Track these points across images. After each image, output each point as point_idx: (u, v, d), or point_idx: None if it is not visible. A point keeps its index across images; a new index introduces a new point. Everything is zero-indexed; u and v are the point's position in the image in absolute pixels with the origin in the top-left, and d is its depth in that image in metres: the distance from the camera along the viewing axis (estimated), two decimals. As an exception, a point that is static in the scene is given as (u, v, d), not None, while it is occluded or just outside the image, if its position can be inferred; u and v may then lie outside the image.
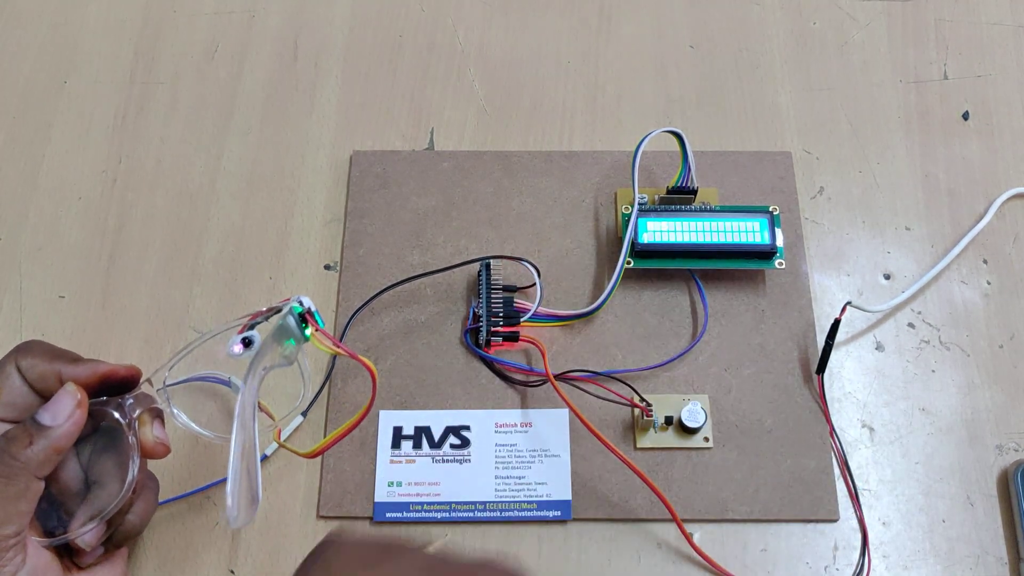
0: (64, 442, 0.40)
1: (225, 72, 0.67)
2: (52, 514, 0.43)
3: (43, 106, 0.66)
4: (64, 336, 0.58)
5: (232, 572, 0.52)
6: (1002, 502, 0.53)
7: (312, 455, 0.43)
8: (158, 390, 0.45)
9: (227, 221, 0.61)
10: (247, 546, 0.52)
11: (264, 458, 0.53)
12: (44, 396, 0.42)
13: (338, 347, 0.43)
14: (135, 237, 0.61)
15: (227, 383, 0.54)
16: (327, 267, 0.60)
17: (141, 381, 0.44)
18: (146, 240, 0.61)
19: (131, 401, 0.43)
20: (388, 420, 0.55)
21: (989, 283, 0.59)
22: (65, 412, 0.40)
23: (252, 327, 0.43)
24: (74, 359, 0.43)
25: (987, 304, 0.59)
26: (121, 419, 0.43)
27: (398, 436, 0.54)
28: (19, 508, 0.39)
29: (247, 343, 0.42)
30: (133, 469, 0.42)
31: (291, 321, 0.42)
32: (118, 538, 0.44)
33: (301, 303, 0.43)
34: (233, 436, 0.38)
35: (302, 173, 0.63)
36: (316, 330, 0.43)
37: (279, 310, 0.43)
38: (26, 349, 0.43)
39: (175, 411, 0.46)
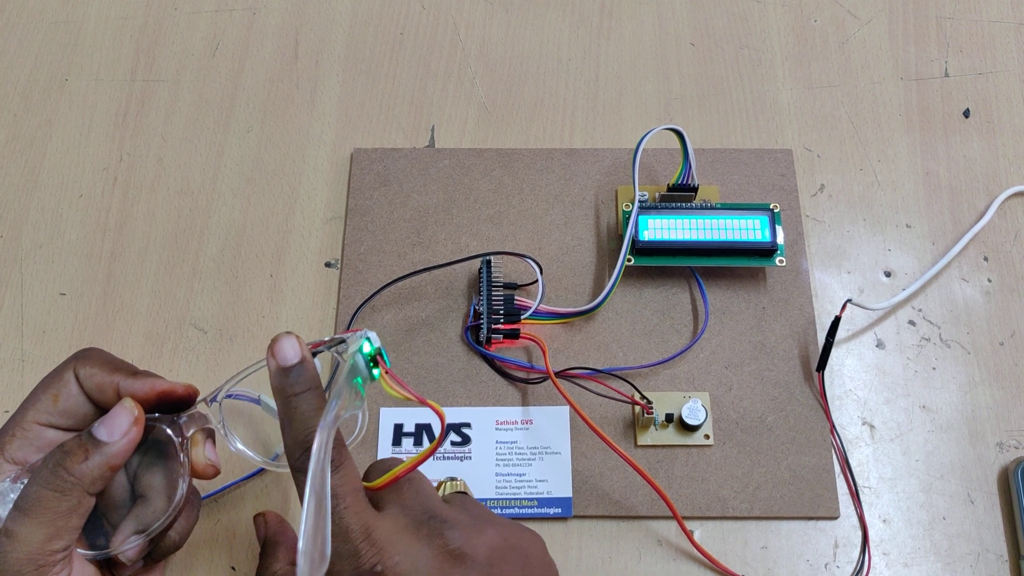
0: (119, 459, 0.39)
1: (226, 70, 0.67)
2: (97, 526, 0.43)
3: (44, 103, 0.66)
4: (65, 334, 0.58)
5: (233, 568, 0.52)
6: (1002, 499, 0.53)
7: (377, 488, 0.41)
8: (212, 403, 0.43)
9: (228, 219, 0.62)
10: (249, 543, 0.52)
11: (275, 458, 0.53)
12: (99, 407, 0.42)
13: (407, 391, 0.41)
14: (136, 235, 0.61)
15: (256, 401, 0.53)
16: (328, 264, 0.60)
17: (197, 401, 0.44)
18: (147, 238, 0.61)
19: (185, 420, 0.43)
20: (389, 417, 0.55)
21: (990, 280, 0.59)
22: (121, 429, 0.39)
23: (313, 355, 0.42)
24: (133, 372, 0.42)
25: (988, 301, 0.59)
26: (174, 437, 0.42)
27: (399, 433, 0.54)
28: (70, 523, 0.38)
29: None
30: (182, 488, 0.42)
31: (360, 360, 0.41)
32: (157, 554, 0.43)
33: (370, 340, 0.41)
34: (307, 492, 0.36)
35: (303, 171, 0.63)
36: (386, 371, 0.41)
37: (342, 340, 0.42)
38: (85, 357, 0.43)
39: (230, 434, 0.45)
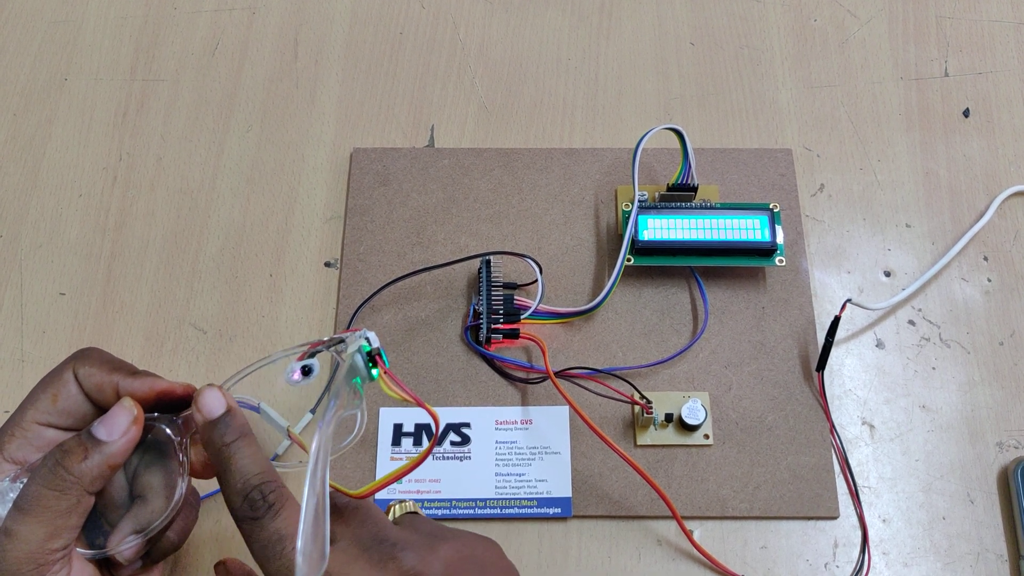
0: (118, 459, 0.39)
1: (226, 69, 0.67)
2: (96, 525, 0.43)
3: (44, 103, 0.66)
4: (64, 334, 0.58)
5: (233, 569, 0.52)
6: (1002, 499, 0.53)
7: (362, 496, 0.42)
8: None
9: (227, 218, 0.62)
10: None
11: (274, 458, 0.53)
12: (99, 407, 0.42)
13: (405, 391, 0.41)
14: (136, 234, 0.61)
15: (256, 409, 0.53)
16: (327, 264, 0.60)
17: None
18: (146, 237, 0.61)
19: (184, 419, 0.42)
20: (388, 417, 0.55)
21: (989, 280, 0.59)
22: (121, 428, 0.39)
23: (312, 355, 0.42)
24: (132, 372, 0.42)
25: (987, 301, 0.59)
26: (173, 437, 0.42)
27: (398, 433, 0.54)
28: (69, 523, 0.38)
29: (306, 371, 0.42)
30: (181, 488, 0.42)
31: (359, 360, 0.41)
32: (156, 554, 0.43)
33: (368, 340, 0.41)
34: (305, 492, 0.36)
35: (302, 170, 0.63)
36: (384, 371, 0.41)
37: (341, 340, 0.42)
38: (84, 356, 0.42)
39: None
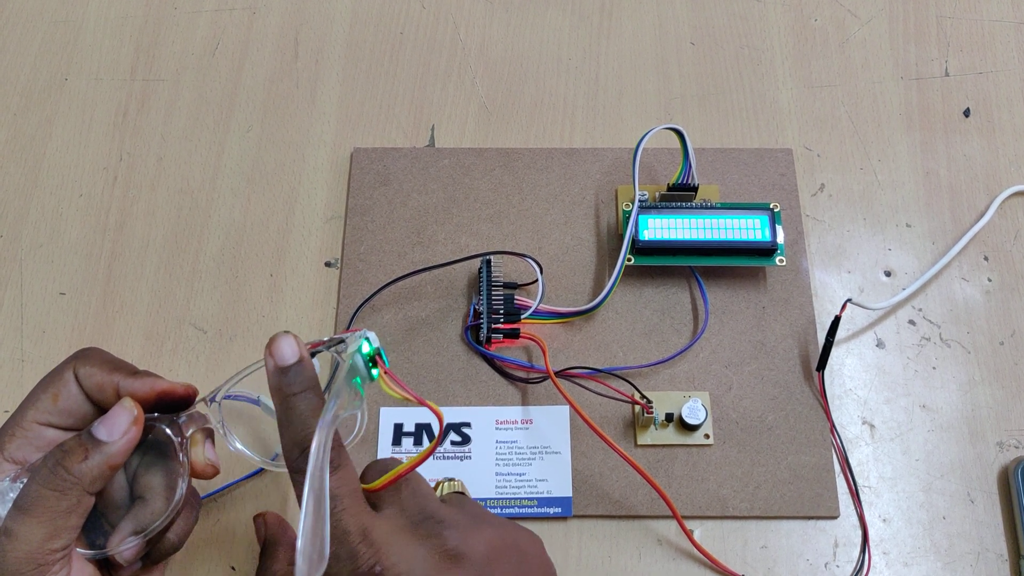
0: (118, 459, 0.39)
1: (226, 69, 0.67)
2: (96, 525, 0.43)
3: (44, 103, 0.66)
4: (65, 334, 0.58)
5: (233, 568, 0.52)
6: (1002, 499, 0.53)
7: (371, 490, 0.42)
8: (211, 403, 0.43)
9: (228, 218, 0.62)
10: (248, 543, 0.52)
11: (275, 457, 0.53)
12: (99, 406, 0.42)
13: (406, 391, 0.40)
14: (136, 234, 0.61)
15: (256, 402, 0.53)
16: (328, 264, 0.60)
17: (196, 400, 0.43)
18: (147, 237, 0.61)
19: (184, 419, 0.42)
20: (389, 417, 0.55)
21: (990, 280, 0.59)
22: (121, 428, 0.39)
23: (313, 355, 0.42)
24: (133, 372, 0.42)
25: (988, 301, 0.59)
26: (174, 437, 0.42)
27: (399, 433, 0.54)
28: (69, 523, 0.38)
29: None
30: (181, 488, 0.42)
31: (359, 360, 0.41)
32: (155, 555, 0.43)
33: (369, 340, 0.41)
34: (305, 492, 0.36)
35: (303, 170, 0.63)
36: (384, 372, 0.41)
37: (341, 340, 0.42)
38: (85, 356, 0.43)
39: (229, 434, 0.44)
